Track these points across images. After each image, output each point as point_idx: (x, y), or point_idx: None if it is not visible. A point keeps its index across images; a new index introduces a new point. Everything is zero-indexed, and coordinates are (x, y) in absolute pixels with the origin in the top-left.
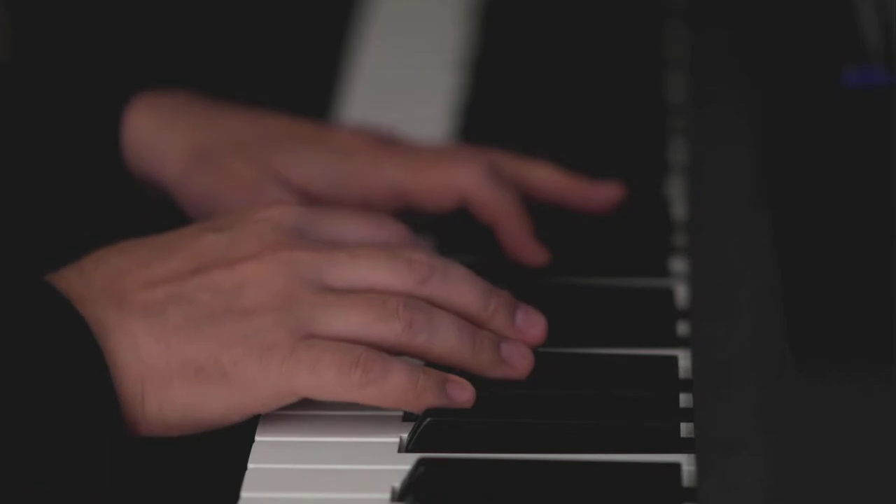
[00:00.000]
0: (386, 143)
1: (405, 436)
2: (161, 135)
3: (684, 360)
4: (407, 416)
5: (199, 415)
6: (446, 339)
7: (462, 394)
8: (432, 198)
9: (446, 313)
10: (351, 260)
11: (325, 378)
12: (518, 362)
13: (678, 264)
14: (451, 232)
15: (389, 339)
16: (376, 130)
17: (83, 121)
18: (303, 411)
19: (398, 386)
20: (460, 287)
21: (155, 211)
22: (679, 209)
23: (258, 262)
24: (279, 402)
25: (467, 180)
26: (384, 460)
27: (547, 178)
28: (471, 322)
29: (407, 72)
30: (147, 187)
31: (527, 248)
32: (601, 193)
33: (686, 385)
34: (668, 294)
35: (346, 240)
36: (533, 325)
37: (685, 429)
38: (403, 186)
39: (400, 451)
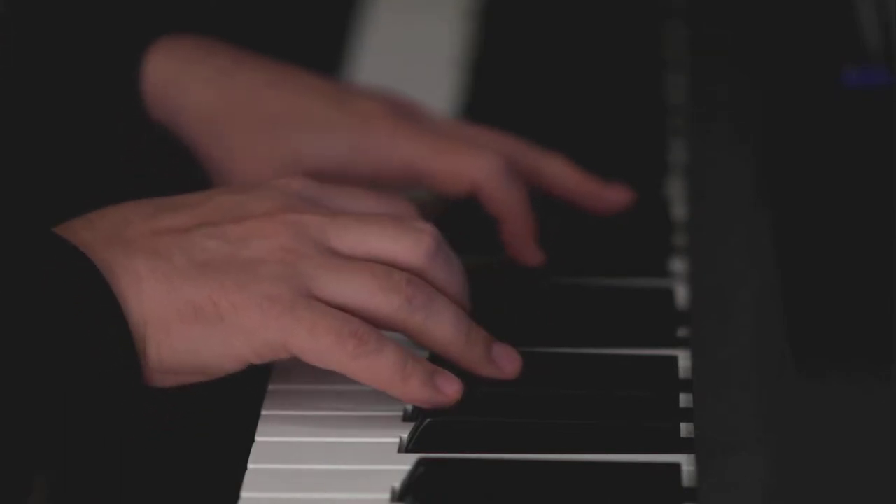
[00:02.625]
0: (406, 116)
1: (405, 436)
2: (179, 85)
3: (684, 360)
4: (407, 416)
5: (195, 359)
6: (443, 324)
7: (449, 385)
8: (445, 182)
9: (447, 300)
10: (359, 225)
11: (321, 342)
12: (507, 364)
13: (678, 264)
14: (450, 232)
15: (386, 312)
16: (398, 99)
17: (104, 63)
18: (303, 411)
19: (388, 366)
20: (462, 275)
21: (177, 156)
22: (679, 209)
23: (267, 218)
24: (272, 354)
25: (482, 173)
26: (384, 460)
27: (561, 172)
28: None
29: (407, 71)
30: (170, 132)
31: (527, 249)
32: (611, 195)
33: (686, 385)
34: (668, 294)
35: (356, 211)
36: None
37: (685, 429)
38: (418, 166)
39: (400, 451)
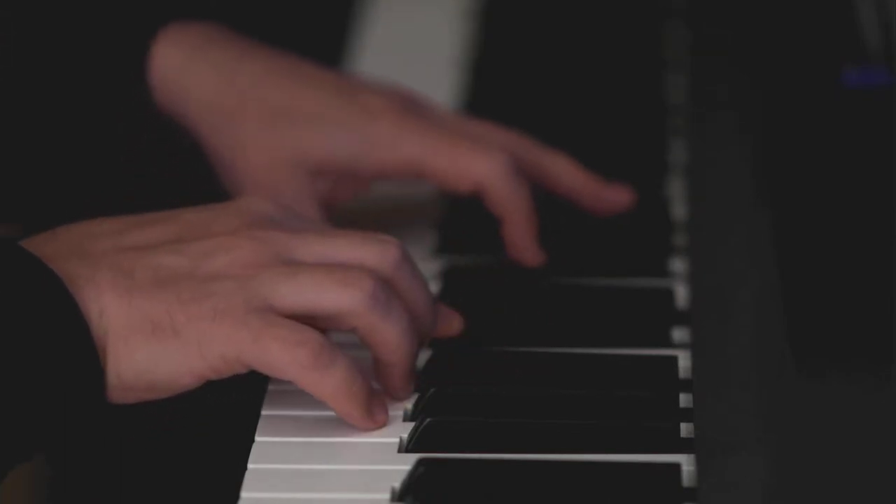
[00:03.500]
0: (411, 111)
1: (405, 436)
2: (186, 75)
3: (684, 360)
4: (407, 416)
5: (154, 376)
6: (397, 326)
7: (380, 413)
8: (449, 180)
9: (405, 309)
10: (322, 237)
11: (268, 350)
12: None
13: (678, 264)
14: (451, 232)
15: (345, 307)
16: (404, 93)
17: (110, 53)
18: (303, 411)
19: (337, 381)
20: (422, 291)
21: (182, 149)
22: (679, 209)
23: (232, 235)
24: (227, 368)
25: (487, 172)
26: (384, 460)
27: (565, 171)
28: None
29: (407, 70)
30: (176, 122)
31: (528, 249)
32: (613, 196)
33: (686, 385)
34: (668, 294)
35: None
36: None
37: (685, 429)
38: (423, 163)
39: (400, 451)
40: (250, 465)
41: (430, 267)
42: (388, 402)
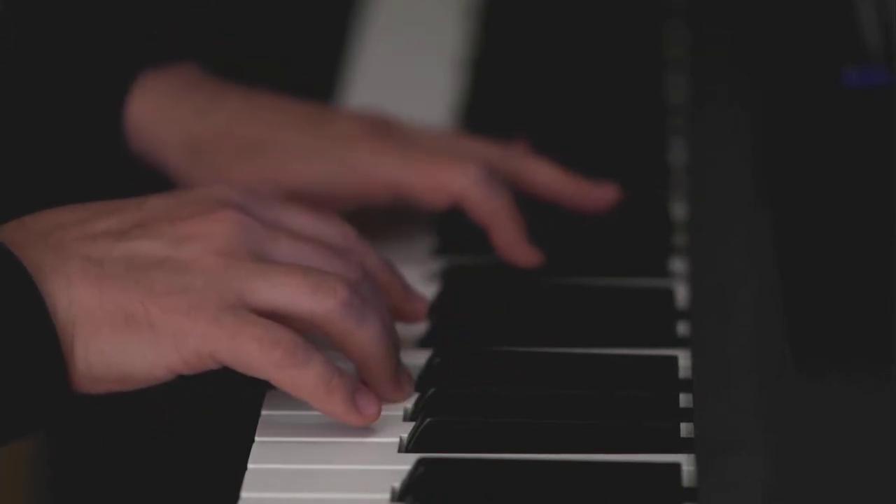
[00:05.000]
0: (385, 134)
1: (405, 436)
2: (161, 123)
3: (684, 360)
4: (407, 416)
5: (125, 368)
6: (370, 331)
7: (369, 406)
8: (426, 197)
9: (376, 311)
10: (293, 241)
11: (244, 349)
12: (407, 388)
13: (678, 264)
14: (451, 232)
15: (319, 314)
16: (377, 117)
17: (88, 101)
18: (303, 411)
19: (313, 378)
20: (394, 280)
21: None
22: (679, 209)
23: (205, 217)
24: (200, 363)
25: (462, 185)
26: (384, 460)
27: (544, 175)
28: None
29: (407, 70)
30: (152, 169)
31: (518, 251)
32: (598, 194)
33: (686, 385)
34: (668, 294)
35: (290, 226)
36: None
37: (685, 429)
38: (399, 184)
39: (400, 451)
40: (250, 465)
41: (429, 267)
42: (387, 401)
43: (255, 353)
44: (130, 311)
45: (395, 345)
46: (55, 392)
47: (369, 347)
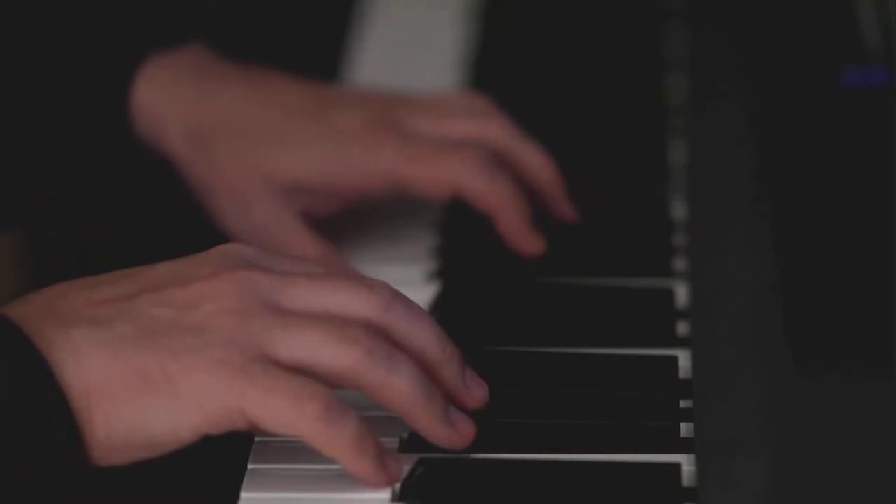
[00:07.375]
0: (385, 124)
1: (405, 435)
2: (163, 109)
3: (684, 360)
4: None
5: (147, 432)
6: (405, 379)
7: (395, 468)
8: (427, 189)
9: (406, 354)
10: (309, 281)
11: (277, 405)
12: (463, 427)
13: (678, 264)
14: (450, 232)
15: (346, 366)
16: (379, 101)
17: (93, 85)
18: None
19: (349, 436)
20: (421, 323)
21: (163, 178)
22: (679, 209)
23: (213, 280)
24: (227, 421)
25: (461, 174)
26: None
27: (538, 166)
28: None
29: (407, 70)
30: (158, 153)
31: (521, 237)
32: (563, 208)
33: (686, 385)
34: (668, 294)
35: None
36: (479, 385)
37: (685, 429)
38: (399, 175)
39: (400, 451)
40: (250, 465)
41: (429, 267)
42: (447, 446)
43: (288, 410)
44: (147, 371)
45: (431, 386)
46: (72, 460)
47: (408, 397)
